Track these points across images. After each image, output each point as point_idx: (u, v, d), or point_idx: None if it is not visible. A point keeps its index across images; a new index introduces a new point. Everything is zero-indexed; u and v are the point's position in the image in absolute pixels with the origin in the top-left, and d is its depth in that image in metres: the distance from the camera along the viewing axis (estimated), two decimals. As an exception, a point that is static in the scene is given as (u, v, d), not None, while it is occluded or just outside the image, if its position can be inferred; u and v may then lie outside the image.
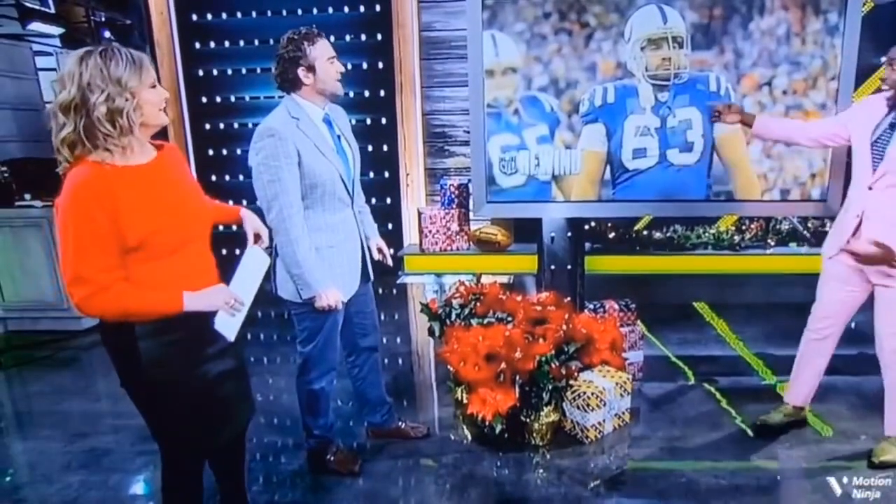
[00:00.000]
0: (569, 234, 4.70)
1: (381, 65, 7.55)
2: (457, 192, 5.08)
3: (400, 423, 3.93)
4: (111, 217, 2.09)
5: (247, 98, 7.85)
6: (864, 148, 3.29)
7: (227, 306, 2.32)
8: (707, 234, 5.07)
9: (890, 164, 3.16)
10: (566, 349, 3.75)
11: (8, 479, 3.75)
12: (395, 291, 7.30)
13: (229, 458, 2.88)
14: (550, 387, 3.62)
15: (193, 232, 2.37)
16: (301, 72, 3.07)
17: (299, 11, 7.51)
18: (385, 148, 7.69)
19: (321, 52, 3.08)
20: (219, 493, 3.01)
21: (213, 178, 7.97)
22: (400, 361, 5.37)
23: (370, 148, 7.48)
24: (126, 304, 2.16)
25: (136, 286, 2.19)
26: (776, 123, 3.78)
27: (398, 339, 5.90)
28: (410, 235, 7.60)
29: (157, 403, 2.37)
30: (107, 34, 7.59)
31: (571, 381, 3.76)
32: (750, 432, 3.87)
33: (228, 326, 2.36)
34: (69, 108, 2.09)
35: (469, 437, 3.91)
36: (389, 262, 3.63)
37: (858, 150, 3.35)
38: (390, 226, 7.61)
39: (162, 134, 7.87)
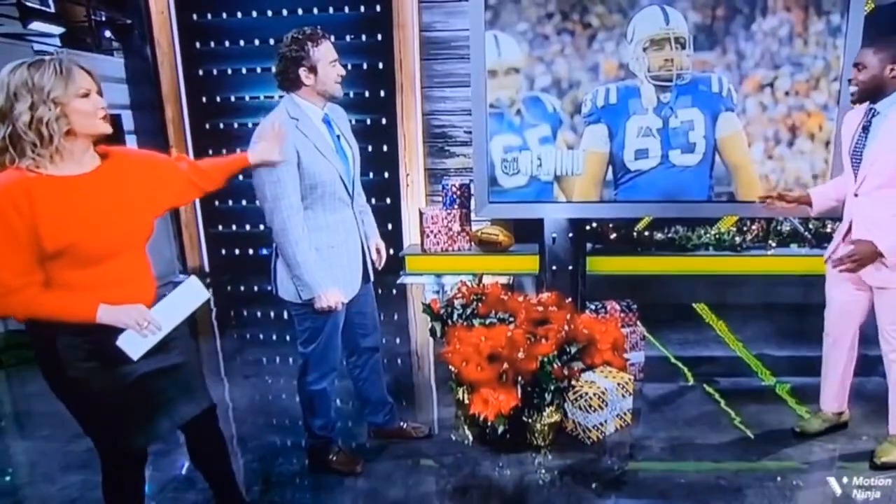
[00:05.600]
0: (570, 234, 4.69)
1: (381, 65, 7.57)
2: (458, 192, 5.08)
3: (401, 424, 3.93)
4: (28, 224, 2.09)
5: (247, 98, 7.86)
6: (847, 158, 3.37)
7: (139, 326, 2.31)
8: (708, 235, 5.06)
9: (867, 167, 3.21)
10: (568, 349, 3.74)
11: (9, 478, 3.75)
12: (394, 292, 7.30)
13: (205, 456, 2.89)
14: (553, 387, 3.61)
15: (121, 244, 2.35)
16: (302, 72, 3.06)
17: (300, 11, 7.53)
18: (385, 148, 7.70)
19: (324, 54, 3.07)
20: (213, 497, 3.03)
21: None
22: (400, 362, 5.37)
23: (370, 148, 7.48)
24: (35, 309, 2.20)
25: (52, 291, 2.21)
26: (823, 195, 3.66)
27: (398, 340, 5.90)
28: (410, 236, 7.61)
29: (79, 400, 2.38)
30: (107, 34, 7.60)
31: (573, 382, 3.76)
32: (750, 433, 3.87)
33: (134, 345, 2.33)
34: None
35: (470, 438, 3.90)
36: (380, 265, 3.61)
37: (844, 161, 3.42)
38: (390, 226, 7.62)
39: (163, 133, 7.79)
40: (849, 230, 3.35)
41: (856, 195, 3.29)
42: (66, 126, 2.16)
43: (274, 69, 3.14)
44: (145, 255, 2.51)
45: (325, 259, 3.18)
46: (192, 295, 2.52)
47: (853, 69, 3.23)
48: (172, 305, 2.46)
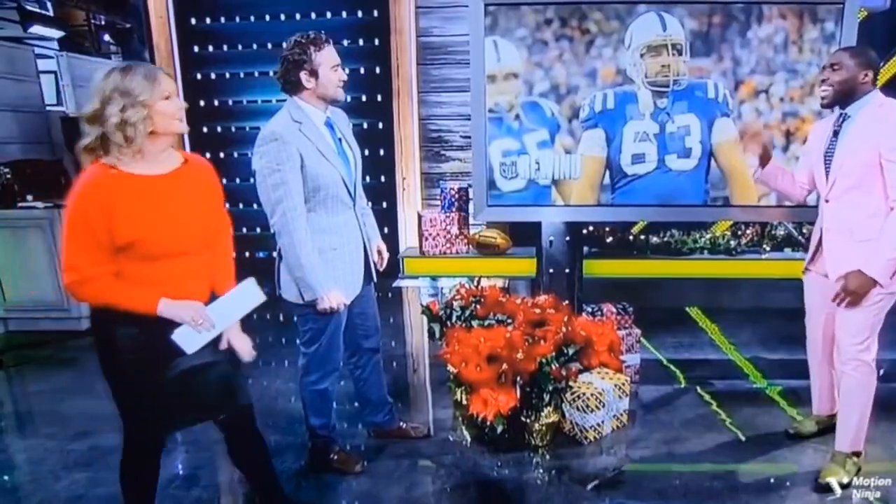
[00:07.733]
0: (567, 237, 4.74)
1: (378, 69, 7.60)
2: (457, 195, 5.11)
3: (401, 424, 3.97)
4: (104, 217, 2.29)
5: (245, 102, 7.87)
6: (819, 163, 3.38)
7: (194, 322, 2.46)
8: (703, 239, 5.10)
9: (838, 169, 3.25)
10: (566, 351, 3.78)
11: (15, 476, 3.77)
12: (390, 295, 7.33)
13: (243, 454, 2.97)
14: (551, 388, 3.66)
15: (186, 246, 2.51)
16: (304, 75, 3.11)
17: (298, 16, 7.55)
18: (381, 152, 7.73)
19: (326, 58, 3.12)
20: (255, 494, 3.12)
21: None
22: (396, 364, 5.39)
23: (367, 152, 7.44)
24: (106, 295, 2.38)
25: (121, 281, 2.39)
26: (781, 172, 3.78)
27: (394, 343, 5.92)
28: (406, 239, 7.64)
29: (124, 385, 2.53)
30: (106, 37, 7.63)
31: (571, 383, 3.80)
32: (742, 435, 3.92)
33: (189, 340, 2.46)
34: (91, 120, 2.32)
35: (469, 438, 3.94)
36: (382, 266, 3.66)
37: (815, 167, 3.43)
38: (386, 229, 7.63)
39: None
40: (820, 238, 3.40)
41: (827, 200, 3.33)
42: (150, 127, 2.35)
43: (276, 72, 3.20)
44: (207, 258, 2.64)
45: (327, 261, 3.22)
46: (247, 296, 2.65)
47: (827, 70, 3.27)
48: (227, 305, 2.60)
